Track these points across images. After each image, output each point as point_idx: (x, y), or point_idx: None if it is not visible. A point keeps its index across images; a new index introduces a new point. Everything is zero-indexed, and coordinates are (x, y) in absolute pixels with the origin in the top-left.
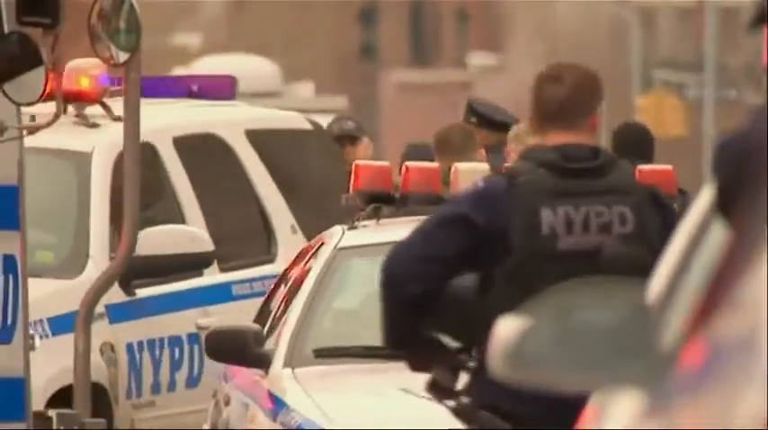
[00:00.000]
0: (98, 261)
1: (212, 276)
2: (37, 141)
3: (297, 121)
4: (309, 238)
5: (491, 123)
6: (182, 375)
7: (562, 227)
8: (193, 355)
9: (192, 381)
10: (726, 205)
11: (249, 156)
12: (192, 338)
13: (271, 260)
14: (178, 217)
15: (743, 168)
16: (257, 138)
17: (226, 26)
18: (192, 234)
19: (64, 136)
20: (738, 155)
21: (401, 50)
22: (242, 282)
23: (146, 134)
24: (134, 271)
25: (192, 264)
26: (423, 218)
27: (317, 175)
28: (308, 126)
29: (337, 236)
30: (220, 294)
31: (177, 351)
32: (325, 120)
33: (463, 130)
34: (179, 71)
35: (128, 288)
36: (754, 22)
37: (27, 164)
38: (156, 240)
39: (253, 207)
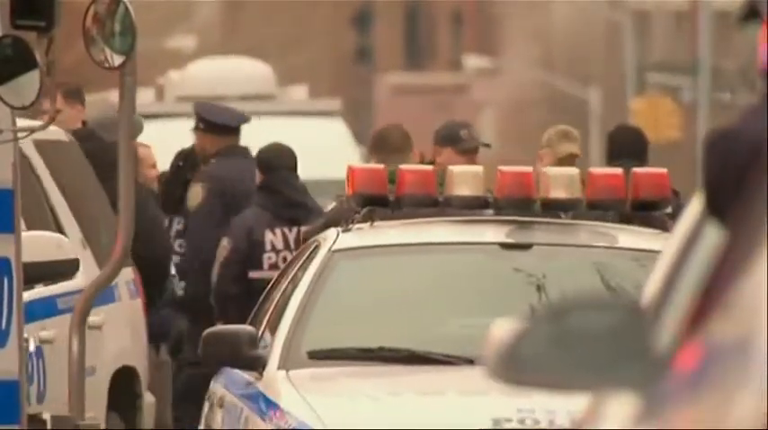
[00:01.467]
0: None
1: (40, 289)
2: None
3: (58, 134)
4: (95, 255)
5: (219, 128)
6: (33, 390)
7: None
8: (39, 370)
9: (40, 397)
10: (715, 203)
11: (41, 167)
12: (38, 351)
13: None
14: None
15: (732, 166)
16: (40, 149)
17: (220, 29)
18: (59, 240)
19: None
20: (728, 152)
21: (396, 53)
22: (63, 295)
23: None
24: None
25: (58, 271)
26: (417, 220)
27: (80, 189)
28: (65, 138)
29: (332, 238)
30: (51, 308)
31: (29, 365)
32: (318, 123)
33: (401, 131)
34: (174, 74)
35: None
36: (744, 17)
37: None
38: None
39: (51, 220)
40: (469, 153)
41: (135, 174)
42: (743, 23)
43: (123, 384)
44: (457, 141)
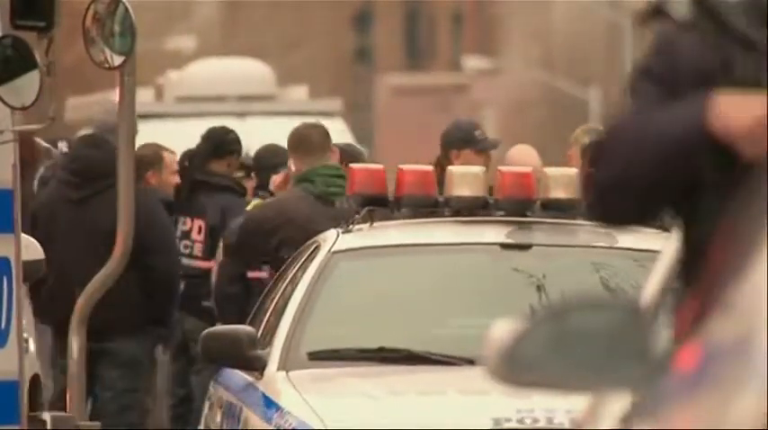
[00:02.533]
0: None
1: None
2: None
3: None
4: None
5: None
6: None
7: None
8: None
9: None
10: (608, 202)
11: None
12: None
13: None
14: None
15: (642, 161)
16: None
17: (220, 29)
18: (26, 241)
19: None
20: (634, 145)
21: (396, 53)
22: None
23: None
24: None
25: (26, 272)
26: (417, 220)
27: None
28: None
29: (332, 239)
30: None
31: None
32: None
33: (321, 130)
34: (174, 74)
35: None
36: (648, 16)
37: None
38: None
39: None
40: (487, 151)
41: (138, 176)
42: (644, 22)
43: (31, 394)
44: (475, 142)
